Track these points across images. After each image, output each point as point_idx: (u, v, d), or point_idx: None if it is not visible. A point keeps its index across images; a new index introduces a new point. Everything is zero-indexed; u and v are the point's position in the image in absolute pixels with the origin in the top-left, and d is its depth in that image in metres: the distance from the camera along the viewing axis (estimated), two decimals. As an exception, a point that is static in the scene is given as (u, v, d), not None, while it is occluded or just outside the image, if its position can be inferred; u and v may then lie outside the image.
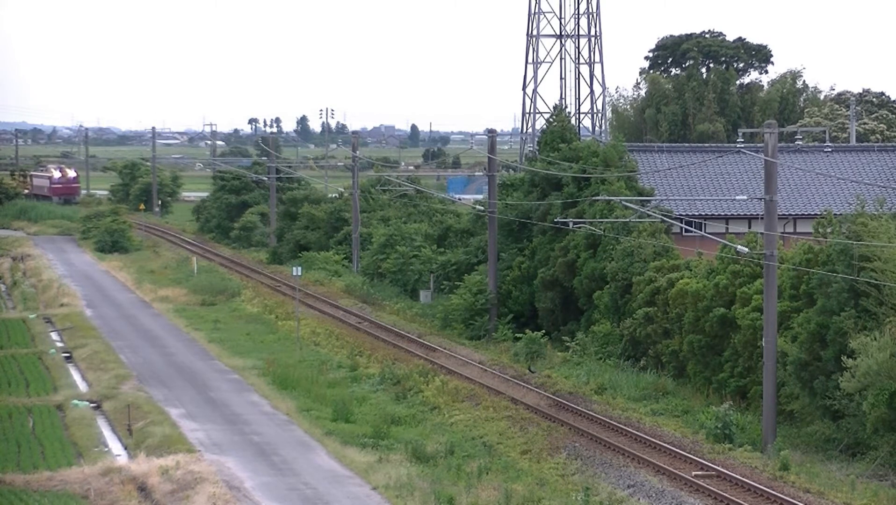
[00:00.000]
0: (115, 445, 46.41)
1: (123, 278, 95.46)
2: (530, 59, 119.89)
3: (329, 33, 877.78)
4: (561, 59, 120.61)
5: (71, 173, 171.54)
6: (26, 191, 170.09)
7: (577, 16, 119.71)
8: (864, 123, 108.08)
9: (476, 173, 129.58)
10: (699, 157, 72.07)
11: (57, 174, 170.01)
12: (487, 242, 67.27)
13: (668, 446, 43.03)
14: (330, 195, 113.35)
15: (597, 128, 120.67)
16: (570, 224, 58.87)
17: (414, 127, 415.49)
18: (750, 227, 62.68)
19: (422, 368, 57.52)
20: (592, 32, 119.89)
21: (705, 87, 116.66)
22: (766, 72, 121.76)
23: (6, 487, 39.49)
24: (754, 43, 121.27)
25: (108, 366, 59.67)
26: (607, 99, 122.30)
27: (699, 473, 40.09)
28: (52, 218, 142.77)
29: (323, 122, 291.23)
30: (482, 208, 71.27)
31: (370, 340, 66.84)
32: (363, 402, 53.40)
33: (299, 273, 73.11)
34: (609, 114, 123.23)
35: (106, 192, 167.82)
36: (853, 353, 40.32)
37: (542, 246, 63.79)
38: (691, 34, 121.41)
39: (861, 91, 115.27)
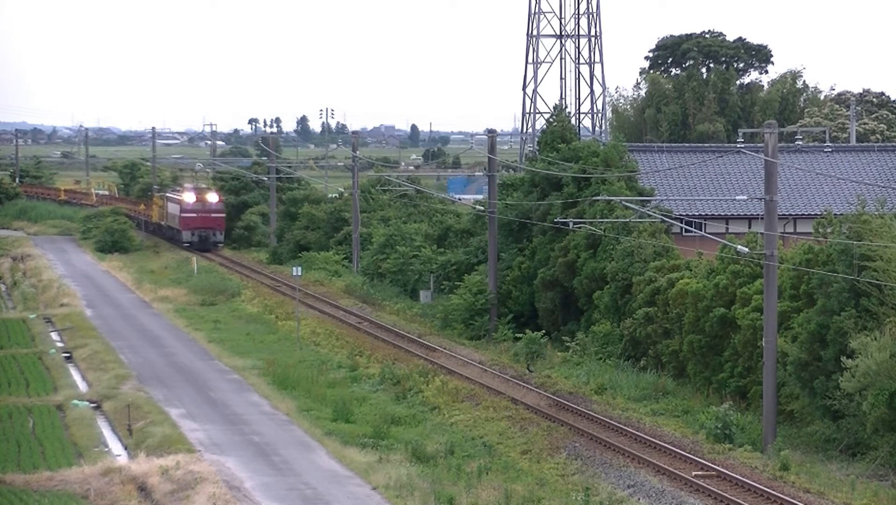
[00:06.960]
0: (115, 445, 46.40)
1: (124, 278, 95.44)
2: (530, 59, 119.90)
3: (329, 33, 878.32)
4: (561, 59, 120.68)
5: (211, 197, 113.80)
6: (162, 222, 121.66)
7: (577, 16, 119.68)
8: (864, 123, 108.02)
9: (476, 173, 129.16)
10: (699, 157, 72.06)
11: (190, 198, 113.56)
12: (487, 242, 67.24)
13: (668, 446, 43.02)
14: (330, 195, 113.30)
15: (597, 128, 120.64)
16: (570, 224, 58.85)
17: (414, 127, 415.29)
18: (750, 227, 62.64)
19: (422, 368, 57.51)
20: (592, 32, 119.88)
21: (705, 87, 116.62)
22: (766, 72, 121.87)
23: (6, 487, 39.47)
24: (754, 43, 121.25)
25: (108, 366, 59.64)
26: (607, 99, 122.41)
27: (699, 473, 40.09)
28: (52, 218, 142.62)
29: (323, 122, 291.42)
30: (482, 208, 71.24)
31: (370, 340, 66.82)
32: (363, 402, 53.39)
33: (299, 273, 73.10)
34: (609, 114, 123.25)
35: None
36: (853, 353, 40.32)
37: (542, 246, 63.77)
38: (691, 34, 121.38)
39: (861, 91, 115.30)
